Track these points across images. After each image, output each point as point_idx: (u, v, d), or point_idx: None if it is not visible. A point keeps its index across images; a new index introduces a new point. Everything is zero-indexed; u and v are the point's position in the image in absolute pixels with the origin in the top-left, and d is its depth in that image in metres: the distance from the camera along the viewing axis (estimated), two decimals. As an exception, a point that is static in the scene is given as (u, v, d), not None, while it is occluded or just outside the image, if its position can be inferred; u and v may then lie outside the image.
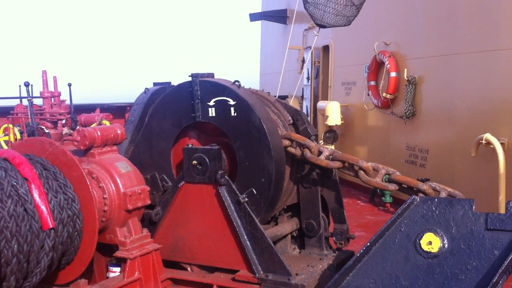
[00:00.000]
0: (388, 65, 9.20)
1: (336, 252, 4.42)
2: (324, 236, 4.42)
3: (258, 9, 18.26)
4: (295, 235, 4.55)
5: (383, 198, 8.89)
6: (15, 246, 2.87)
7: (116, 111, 12.95)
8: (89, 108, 12.22)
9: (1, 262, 2.81)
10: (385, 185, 3.95)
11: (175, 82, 5.28)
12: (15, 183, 2.98)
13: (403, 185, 3.92)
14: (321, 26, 7.19)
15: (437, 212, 3.19)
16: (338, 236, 4.40)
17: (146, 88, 5.58)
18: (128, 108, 13.79)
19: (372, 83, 9.80)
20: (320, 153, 4.13)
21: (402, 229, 3.29)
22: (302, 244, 4.51)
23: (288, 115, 4.48)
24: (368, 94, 9.86)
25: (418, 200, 3.27)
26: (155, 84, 5.67)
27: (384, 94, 9.31)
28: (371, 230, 6.95)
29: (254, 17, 17.03)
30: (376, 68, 9.73)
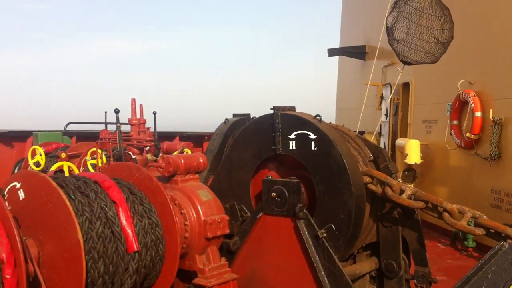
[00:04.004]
0: (473, 105, 8.93)
1: (417, 295, 4.26)
2: (405, 278, 4.27)
3: (336, 44, 18.35)
4: (374, 275, 4.42)
5: (465, 242, 8.53)
6: (102, 267, 2.96)
7: (195, 139, 13.30)
8: (169, 136, 12.64)
9: (87, 282, 2.90)
10: (471, 229, 3.79)
11: (253, 114, 5.37)
12: (104, 206, 3.09)
13: (490, 230, 3.74)
14: (406, 63, 7.12)
15: (527, 260, 3.01)
16: (420, 279, 4.24)
17: (226, 119, 5.70)
18: (206, 137, 14.13)
19: (455, 122, 9.53)
20: (401, 191, 4.03)
21: (489, 276, 3.12)
22: (381, 285, 4.36)
23: (368, 151, 4.42)
24: (451, 134, 9.59)
25: (507, 246, 3.11)
26: (234, 115, 5.79)
27: (467, 134, 9.02)
28: (453, 275, 6.67)
29: (332, 52, 17.13)
30: (460, 107, 9.47)
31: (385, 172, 4.23)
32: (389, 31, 7.15)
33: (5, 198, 3.04)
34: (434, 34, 7.03)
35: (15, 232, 2.54)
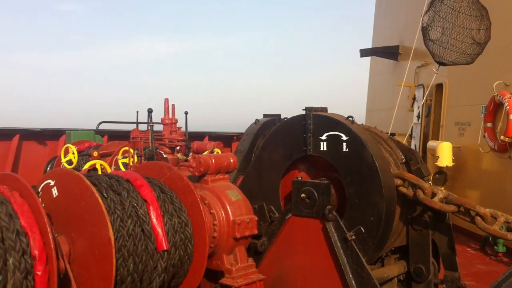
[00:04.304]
0: (508, 107, 8.74)
1: (446, 300, 4.20)
2: (434, 283, 4.21)
3: (367, 45, 18.18)
4: (402, 278, 4.37)
5: (495, 247, 8.36)
6: (131, 265, 2.99)
7: (224, 140, 13.35)
8: (198, 136, 12.71)
9: (117, 279, 2.94)
10: (503, 233, 3.73)
11: (284, 115, 5.35)
12: (135, 204, 3.13)
13: (523, 235, 3.67)
14: (441, 63, 7.01)
15: None
16: (449, 284, 4.18)
17: (256, 119, 5.70)
18: (235, 137, 14.16)
19: (489, 124, 9.34)
20: (433, 195, 3.97)
21: (522, 283, 3.06)
22: (410, 289, 4.32)
23: (400, 153, 4.37)
24: (484, 136, 9.40)
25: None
26: (265, 115, 5.78)
27: (502, 137, 8.83)
28: (482, 280, 6.54)
29: (364, 52, 16.97)
30: (494, 109, 9.27)
31: (417, 174, 4.18)
32: (425, 31, 7.05)
33: (39, 195, 3.10)
34: (470, 34, 6.91)
35: (48, 229, 2.58)
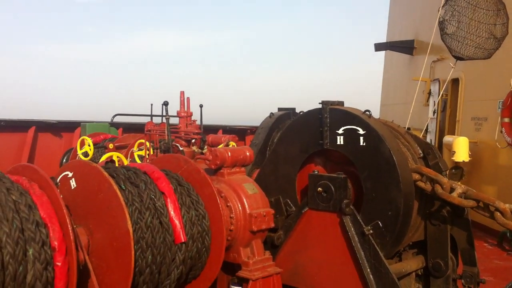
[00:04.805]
0: (525, 102, 8.65)
1: (464, 296, 4.17)
2: (452, 278, 4.17)
3: (382, 39, 18.06)
4: (420, 273, 4.34)
5: (513, 243, 8.31)
6: (149, 256, 2.99)
7: (237, 133, 13.36)
8: (212, 129, 12.73)
9: (135, 271, 2.94)
10: (524, 229, 3.68)
11: (298, 108, 5.33)
12: (153, 196, 3.13)
13: (543, 231, 3.63)
14: (459, 58, 6.94)
15: None
16: (468, 279, 4.15)
17: (271, 113, 5.69)
18: (249, 131, 14.17)
19: (506, 120, 9.24)
20: (452, 190, 3.93)
21: (543, 279, 3.02)
22: (427, 284, 4.28)
23: (418, 148, 4.32)
24: (501, 131, 9.31)
25: None
26: (279, 109, 5.77)
27: (519, 132, 8.74)
28: (500, 276, 6.50)
29: (379, 47, 16.87)
30: (512, 104, 9.18)
31: (435, 169, 4.14)
32: (442, 25, 7.00)
33: (58, 186, 3.11)
34: (488, 29, 6.84)
35: (67, 221, 2.59)
